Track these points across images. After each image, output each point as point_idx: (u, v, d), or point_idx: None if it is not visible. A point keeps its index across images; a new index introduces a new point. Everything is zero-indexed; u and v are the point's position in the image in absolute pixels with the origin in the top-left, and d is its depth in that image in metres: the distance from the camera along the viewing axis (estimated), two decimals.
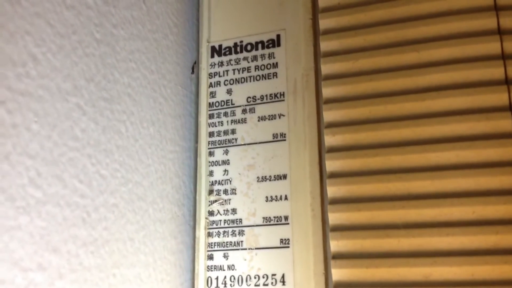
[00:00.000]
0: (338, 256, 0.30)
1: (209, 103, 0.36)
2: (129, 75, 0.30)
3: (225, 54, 0.37)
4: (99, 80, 0.27)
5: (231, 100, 0.36)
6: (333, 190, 0.31)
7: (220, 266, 0.33)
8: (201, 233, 0.34)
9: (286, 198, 0.33)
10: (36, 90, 0.23)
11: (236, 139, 0.35)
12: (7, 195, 0.21)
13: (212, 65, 0.37)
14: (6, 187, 0.21)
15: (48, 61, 0.24)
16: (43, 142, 0.23)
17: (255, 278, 0.32)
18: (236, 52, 0.36)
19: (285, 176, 0.33)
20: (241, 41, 0.36)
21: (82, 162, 0.25)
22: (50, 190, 0.23)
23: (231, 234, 0.34)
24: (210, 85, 0.37)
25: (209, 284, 0.33)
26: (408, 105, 0.31)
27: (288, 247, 0.32)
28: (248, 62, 0.36)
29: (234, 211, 0.34)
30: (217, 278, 0.33)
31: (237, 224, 0.34)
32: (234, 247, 0.33)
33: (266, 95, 0.35)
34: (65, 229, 0.24)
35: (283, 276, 0.32)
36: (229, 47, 0.37)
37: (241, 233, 0.33)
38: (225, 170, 0.35)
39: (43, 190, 0.23)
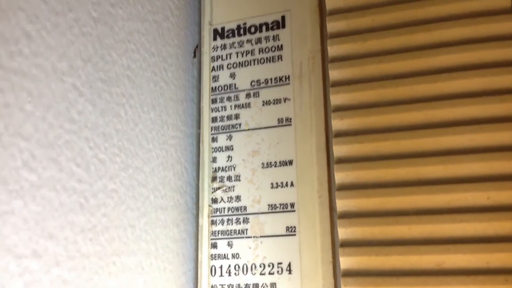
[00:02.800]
0: (347, 244, 0.29)
1: (212, 88, 0.35)
2: (128, 56, 0.29)
3: (228, 37, 0.35)
4: (96, 61, 0.26)
5: (235, 84, 0.35)
6: (341, 176, 0.30)
7: (224, 254, 0.32)
8: (204, 221, 0.33)
9: (292, 184, 0.32)
10: (29, 69, 0.22)
11: (240, 124, 0.34)
12: None
13: (215, 48, 0.36)
14: None
15: (42, 39, 0.23)
16: (38, 124, 0.22)
17: (260, 266, 0.31)
18: (239, 35, 0.35)
19: (291, 162, 0.32)
20: (245, 23, 0.35)
21: (79, 146, 0.24)
22: (46, 174, 0.22)
23: (235, 222, 0.32)
24: (213, 69, 0.35)
25: (213, 273, 0.32)
26: (419, 88, 0.30)
27: (295, 235, 0.31)
28: (252, 44, 0.35)
29: (238, 198, 0.33)
30: (221, 267, 0.32)
31: (241, 211, 0.33)
32: (239, 235, 0.32)
33: (271, 79, 0.34)
34: (61, 215, 0.23)
35: (289, 265, 0.31)
36: (232, 30, 0.35)
37: (246, 220, 0.32)
38: (229, 156, 0.34)
39: (38, 173, 0.22)
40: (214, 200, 0.33)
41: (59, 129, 0.23)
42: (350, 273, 0.29)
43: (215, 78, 0.35)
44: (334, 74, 0.31)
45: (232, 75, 0.35)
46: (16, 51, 0.21)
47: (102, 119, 0.26)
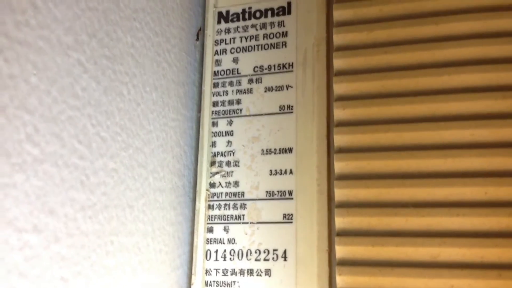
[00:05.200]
0: (343, 233, 0.29)
1: (214, 72, 0.35)
2: (133, 34, 0.29)
3: (232, 21, 0.35)
4: (101, 37, 0.26)
5: (237, 69, 0.34)
6: (341, 165, 0.30)
7: (220, 239, 0.32)
8: (201, 205, 0.33)
9: (291, 172, 0.32)
10: (35, 41, 0.21)
11: (241, 110, 0.34)
12: (2, 150, 0.19)
13: (219, 32, 0.35)
14: (1, 141, 0.19)
15: (49, 10, 0.22)
16: (42, 97, 0.22)
17: (255, 252, 0.31)
18: (244, 19, 0.35)
19: (290, 150, 0.32)
20: (250, 8, 0.35)
21: (82, 122, 0.24)
22: (48, 149, 0.22)
23: (233, 207, 0.32)
24: (216, 53, 0.35)
25: (208, 257, 0.32)
26: (424, 80, 0.30)
27: (291, 222, 0.31)
28: (257, 30, 0.34)
29: (236, 183, 0.33)
30: (216, 251, 0.32)
31: (239, 197, 0.32)
32: (235, 221, 0.32)
33: (274, 65, 0.34)
34: (62, 191, 0.22)
35: (285, 252, 0.31)
36: (237, 14, 0.35)
37: (243, 206, 0.32)
38: (229, 141, 0.33)
39: (41, 148, 0.21)
40: (212, 185, 0.33)
41: (63, 104, 0.23)
42: (346, 262, 0.29)
43: (217, 62, 0.35)
44: (339, 63, 0.31)
45: (235, 60, 0.35)
46: (23, 21, 0.21)
47: (105, 97, 0.26)
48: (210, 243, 0.32)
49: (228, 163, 0.33)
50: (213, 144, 0.34)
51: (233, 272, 0.31)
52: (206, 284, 0.32)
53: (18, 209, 0.20)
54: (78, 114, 0.24)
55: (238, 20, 0.35)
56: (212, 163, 0.33)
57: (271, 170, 0.32)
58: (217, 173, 0.33)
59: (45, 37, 0.22)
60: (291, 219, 0.31)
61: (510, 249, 0.26)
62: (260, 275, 0.31)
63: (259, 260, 0.31)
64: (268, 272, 0.31)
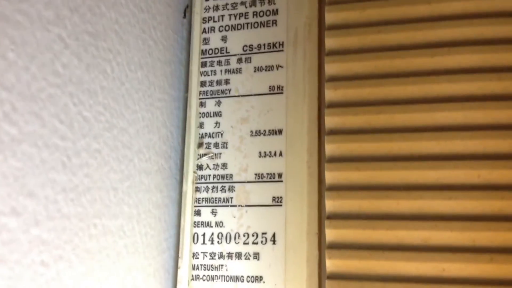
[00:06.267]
0: (333, 217, 0.29)
1: (202, 50, 0.34)
2: (117, 10, 0.27)
3: None
4: (83, 12, 0.25)
5: (226, 48, 0.33)
6: (332, 147, 0.29)
7: (208, 222, 0.31)
8: (188, 187, 0.32)
9: (280, 154, 0.31)
10: (13, 15, 0.20)
11: (229, 90, 0.33)
12: None
13: (207, 9, 0.34)
14: None
15: None
16: (20, 74, 0.20)
17: (244, 236, 0.31)
18: None
19: (280, 131, 0.31)
20: None
21: (63, 101, 0.23)
22: (27, 128, 0.21)
23: (221, 190, 0.32)
24: (204, 31, 0.34)
25: (195, 241, 0.31)
26: (417, 61, 0.29)
27: (281, 205, 0.30)
28: (246, 7, 0.33)
29: (224, 166, 0.32)
30: (203, 235, 0.31)
31: (227, 179, 0.32)
32: (223, 204, 0.31)
33: (264, 44, 0.33)
34: (42, 172, 0.21)
35: (274, 235, 0.30)
36: None
37: (231, 189, 0.31)
38: (217, 123, 0.33)
39: (19, 127, 0.20)
40: (200, 167, 0.32)
41: (43, 82, 0.22)
42: (336, 246, 0.28)
43: (205, 41, 0.34)
44: (330, 42, 0.30)
45: (224, 39, 0.34)
46: None
47: (87, 74, 0.25)
48: (198, 226, 0.32)
49: (216, 145, 0.32)
50: (201, 125, 0.33)
51: (221, 256, 0.31)
52: (194, 267, 0.31)
53: None
54: (58, 92, 0.23)
55: None
56: (200, 145, 0.33)
57: (260, 152, 0.31)
58: (204, 154, 0.32)
59: (24, 10, 0.21)
60: (281, 202, 0.30)
61: (502, 232, 0.26)
62: (249, 259, 0.30)
63: (247, 243, 0.31)
64: (256, 255, 0.30)
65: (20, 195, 0.20)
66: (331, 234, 0.28)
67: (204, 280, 0.31)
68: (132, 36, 0.29)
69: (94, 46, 0.25)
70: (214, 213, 0.31)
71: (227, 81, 0.33)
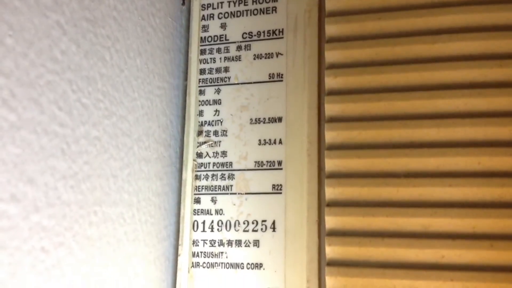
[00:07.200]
0: (333, 204, 0.29)
1: (201, 38, 0.34)
2: None
3: None
4: None
5: (225, 35, 0.33)
6: (332, 135, 0.29)
7: (208, 210, 0.31)
8: (188, 175, 0.32)
9: (280, 142, 0.31)
10: (11, 0, 0.20)
11: (229, 78, 0.33)
12: None
13: None
14: None
15: None
16: (19, 60, 0.20)
17: (244, 223, 0.31)
18: None
19: (280, 119, 0.31)
20: None
21: (62, 88, 0.23)
22: (26, 115, 0.21)
23: (220, 178, 0.32)
24: (203, 18, 0.34)
25: (195, 228, 0.31)
26: (417, 48, 0.29)
27: (281, 193, 0.30)
28: None
29: (224, 153, 0.32)
30: (203, 222, 0.31)
31: (227, 167, 0.32)
32: (223, 191, 0.31)
33: (264, 32, 0.32)
34: (42, 159, 0.21)
35: (273, 223, 0.30)
36: None
37: (231, 177, 0.31)
38: (216, 110, 0.32)
39: (18, 113, 0.20)
40: (199, 155, 0.32)
41: (41, 68, 0.22)
42: (335, 233, 0.28)
43: (205, 28, 0.34)
44: (331, 29, 0.30)
45: (223, 26, 0.33)
46: None
47: (86, 61, 0.25)
48: (198, 214, 0.32)
49: (215, 133, 0.32)
50: (200, 113, 0.33)
51: (221, 243, 0.31)
52: (194, 255, 0.31)
53: None
54: (57, 78, 0.22)
55: None
56: (199, 133, 0.33)
57: (260, 140, 0.31)
58: (204, 142, 0.32)
59: None
60: (280, 189, 0.30)
61: (502, 219, 0.26)
62: (249, 246, 0.30)
63: (247, 231, 0.31)
64: (256, 243, 0.30)
65: (19, 182, 0.20)
66: (331, 221, 0.28)
67: (204, 267, 0.31)
68: (131, 23, 0.29)
69: (93, 33, 0.25)
70: (214, 201, 0.31)
71: (226, 69, 0.33)
